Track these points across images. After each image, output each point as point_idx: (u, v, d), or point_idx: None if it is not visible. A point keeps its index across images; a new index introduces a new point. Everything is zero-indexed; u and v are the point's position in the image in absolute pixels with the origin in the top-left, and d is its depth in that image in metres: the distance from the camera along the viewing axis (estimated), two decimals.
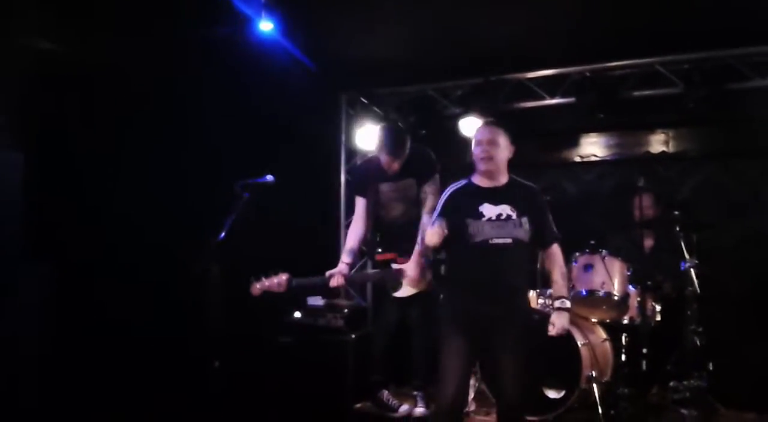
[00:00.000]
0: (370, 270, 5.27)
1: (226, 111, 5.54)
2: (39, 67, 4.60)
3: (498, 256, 3.59)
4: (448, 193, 3.80)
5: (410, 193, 4.90)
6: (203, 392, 3.92)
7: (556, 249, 3.82)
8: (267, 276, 4.47)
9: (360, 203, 4.99)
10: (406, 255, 4.75)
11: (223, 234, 3.98)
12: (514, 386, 3.58)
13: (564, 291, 3.80)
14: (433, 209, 4.36)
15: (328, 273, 4.68)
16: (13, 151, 4.39)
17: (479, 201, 3.65)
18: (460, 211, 3.65)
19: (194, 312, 4.09)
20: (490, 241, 3.57)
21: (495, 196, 3.68)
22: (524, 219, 3.63)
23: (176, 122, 5.19)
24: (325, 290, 4.85)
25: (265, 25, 5.34)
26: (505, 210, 3.63)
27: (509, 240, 3.58)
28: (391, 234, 5.03)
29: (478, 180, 3.78)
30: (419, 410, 5.00)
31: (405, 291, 4.80)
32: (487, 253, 3.58)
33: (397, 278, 4.78)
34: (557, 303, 3.76)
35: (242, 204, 4.11)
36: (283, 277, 4.49)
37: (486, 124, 3.90)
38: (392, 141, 4.81)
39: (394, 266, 4.82)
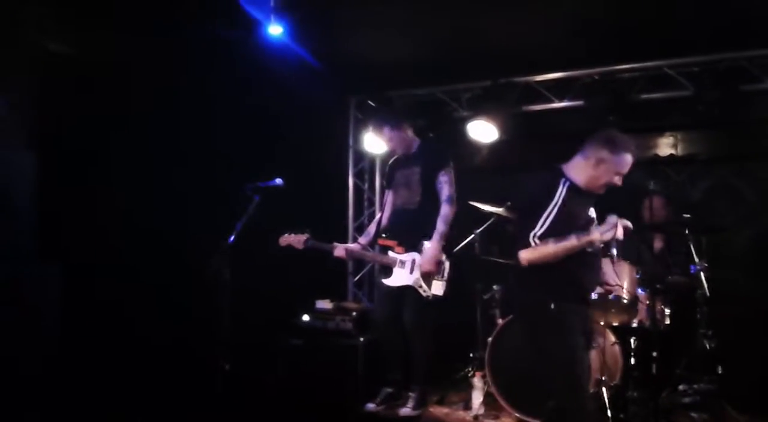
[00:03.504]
0: (369, 252, 5.35)
1: (236, 114, 5.57)
2: (52, 68, 4.64)
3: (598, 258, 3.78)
4: (565, 191, 3.49)
5: (413, 179, 5.11)
6: (213, 395, 3.93)
7: None
8: (294, 232, 5.12)
9: (387, 194, 5.37)
10: (404, 244, 5.00)
11: (233, 237, 4.00)
12: None
13: None
14: (451, 199, 4.94)
15: (335, 244, 5.16)
16: (26, 151, 4.41)
17: (587, 206, 3.71)
18: (576, 219, 3.55)
19: (205, 315, 4.11)
20: (600, 247, 3.68)
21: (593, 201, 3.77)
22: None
23: (187, 124, 5.23)
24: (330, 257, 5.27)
25: (275, 29, 5.37)
26: (593, 212, 3.76)
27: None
28: (394, 221, 5.24)
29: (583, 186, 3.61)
30: (405, 410, 5.04)
31: (395, 280, 4.93)
32: (597, 258, 3.76)
33: (388, 264, 4.87)
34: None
35: (252, 207, 4.13)
36: (303, 237, 5.10)
37: (633, 157, 3.56)
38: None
39: (390, 253, 5.00)
